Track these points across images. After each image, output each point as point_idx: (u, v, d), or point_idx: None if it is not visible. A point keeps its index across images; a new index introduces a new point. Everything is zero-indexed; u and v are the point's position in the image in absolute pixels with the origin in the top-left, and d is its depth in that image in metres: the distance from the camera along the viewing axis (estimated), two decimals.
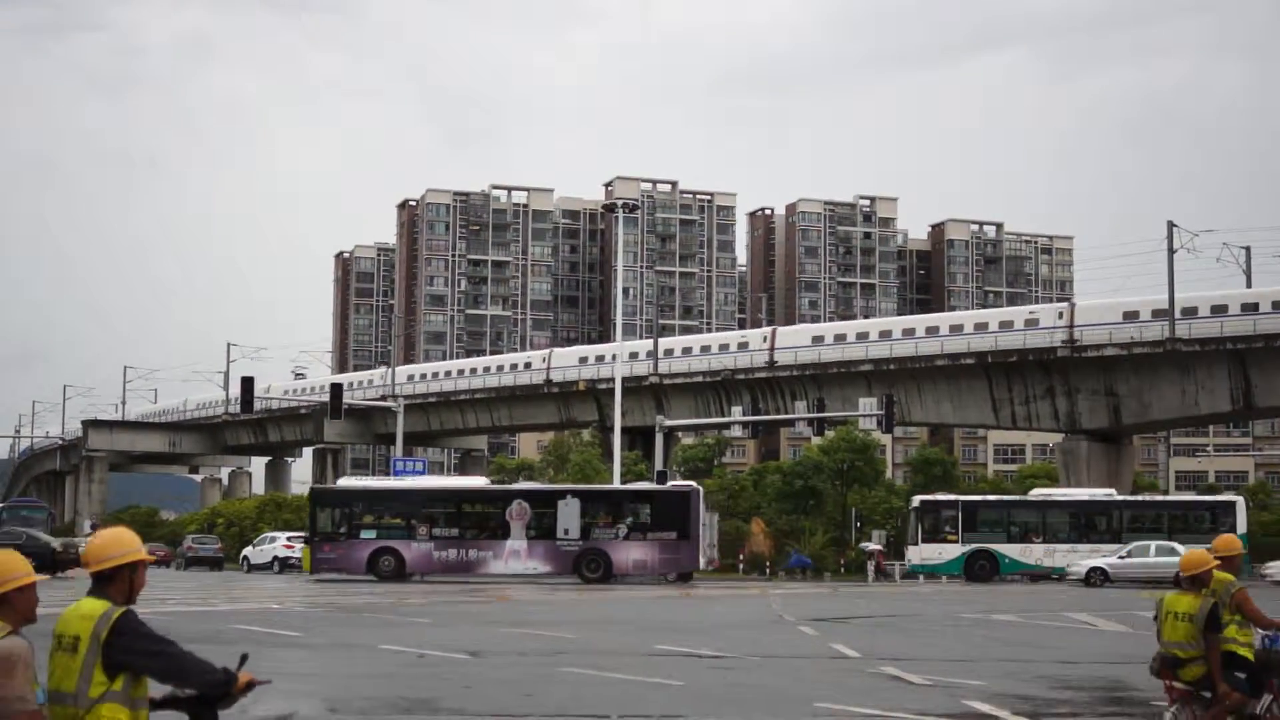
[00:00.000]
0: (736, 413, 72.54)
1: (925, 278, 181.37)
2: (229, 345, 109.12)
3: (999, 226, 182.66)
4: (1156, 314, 64.41)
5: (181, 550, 71.06)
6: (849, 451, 77.84)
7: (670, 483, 52.21)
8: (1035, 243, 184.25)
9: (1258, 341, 60.55)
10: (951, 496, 56.80)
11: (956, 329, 71.73)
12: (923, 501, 54.67)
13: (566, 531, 44.54)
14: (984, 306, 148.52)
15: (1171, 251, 63.88)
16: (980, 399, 69.06)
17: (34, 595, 5.28)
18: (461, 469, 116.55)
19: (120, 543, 5.55)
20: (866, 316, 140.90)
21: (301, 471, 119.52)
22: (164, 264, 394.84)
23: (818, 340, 76.02)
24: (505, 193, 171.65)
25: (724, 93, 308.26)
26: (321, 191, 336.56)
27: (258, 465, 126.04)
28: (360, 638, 21.31)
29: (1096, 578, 45.84)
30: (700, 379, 77.89)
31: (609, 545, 44.53)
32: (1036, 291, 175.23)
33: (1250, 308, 62.57)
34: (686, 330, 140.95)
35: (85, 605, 5.41)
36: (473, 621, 25.67)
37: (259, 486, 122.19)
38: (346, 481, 54.80)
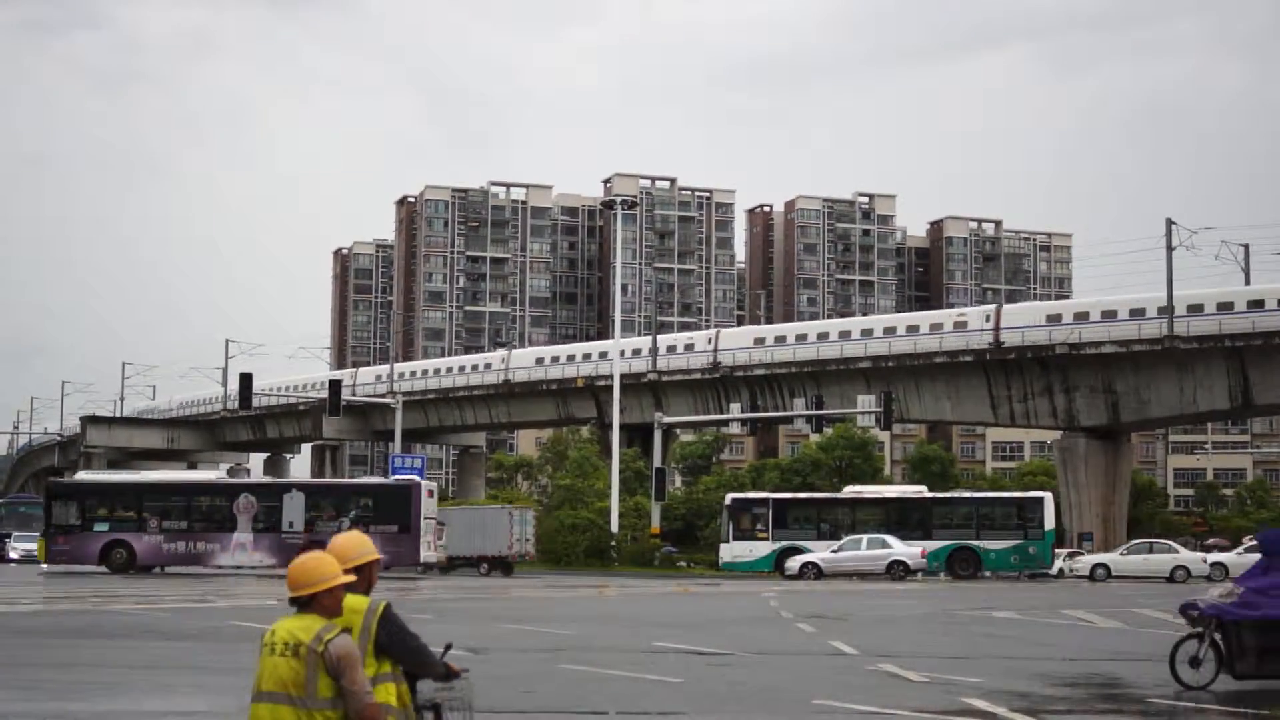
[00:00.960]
0: (735, 410, 72.56)
1: (924, 275, 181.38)
2: (227, 341, 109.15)
3: (998, 224, 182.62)
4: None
5: None
6: (847, 449, 78.09)
7: (394, 477, 53.72)
8: (1034, 240, 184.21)
9: (1256, 339, 60.59)
10: (762, 495, 57.05)
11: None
12: (734, 499, 55.20)
13: (291, 525, 45.81)
14: (983, 304, 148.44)
15: (1170, 249, 63.92)
16: (979, 396, 69.06)
17: (342, 593, 6.00)
18: (460, 466, 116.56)
19: (361, 545, 6.34)
20: (865, 314, 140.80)
21: (300, 468, 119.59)
22: (162, 260, 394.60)
23: (1053, 319, 69.18)
24: (504, 189, 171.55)
25: (723, 90, 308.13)
26: (320, 188, 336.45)
27: (256, 462, 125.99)
28: None
29: (810, 572, 46.78)
30: (699, 376, 77.87)
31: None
32: (1035, 289, 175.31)
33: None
34: (685, 327, 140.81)
35: (354, 599, 6.16)
36: (472, 618, 25.69)
37: None
38: (82, 475, 56.89)
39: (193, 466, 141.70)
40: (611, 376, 64.89)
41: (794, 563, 48.25)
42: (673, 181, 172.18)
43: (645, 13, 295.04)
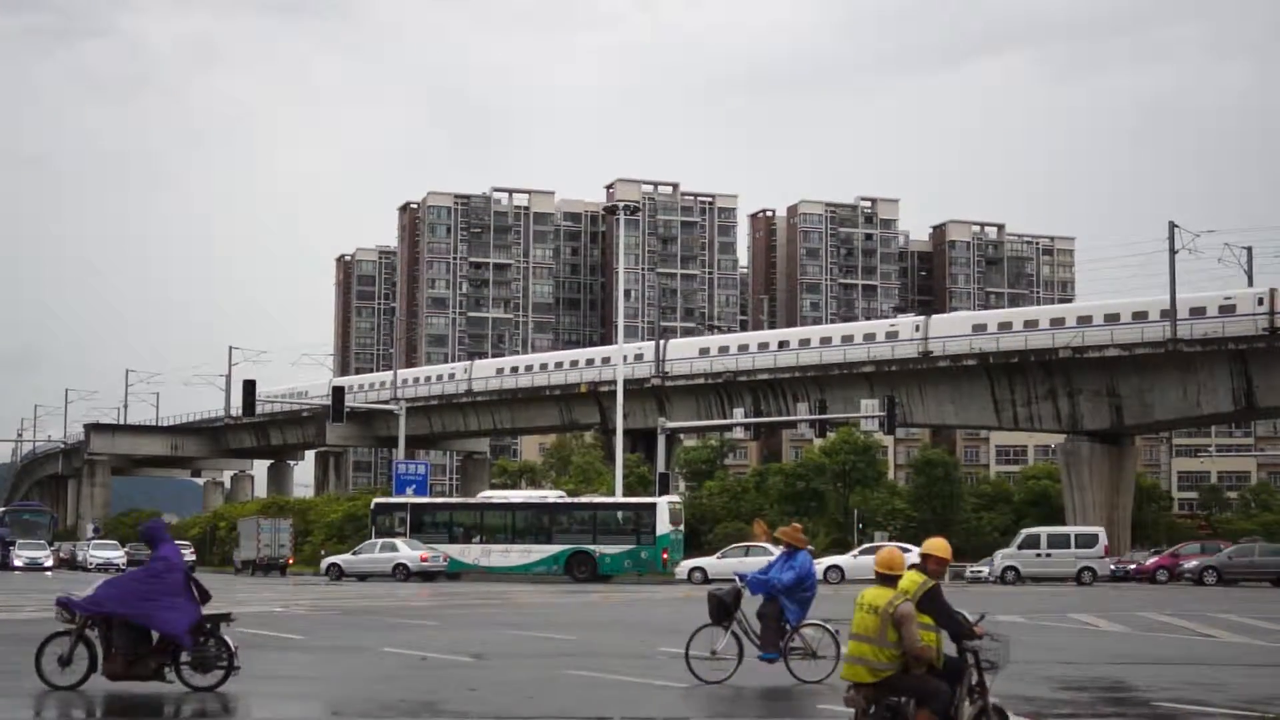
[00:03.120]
0: (738, 415, 72.45)
1: (927, 279, 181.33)
2: (230, 349, 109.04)
3: (1000, 228, 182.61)
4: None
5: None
6: (851, 453, 77.74)
7: None
8: (1037, 244, 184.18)
9: (1259, 342, 60.46)
10: (402, 499, 58.60)
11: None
12: (377, 504, 57.86)
13: None
14: (985, 308, 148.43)
15: (1173, 252, 63.83)
16: (982, 400, 68.98)
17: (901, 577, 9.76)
18: (464, 472, 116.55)
19: (941, 548, 10.10)
20: (868, 318, 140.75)
21: (304, 474, 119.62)
22: (166, 267, 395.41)
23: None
24: (506, 195, 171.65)
25: (725, 95, 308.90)
26: (323, 194, 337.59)
27: (260, 468, 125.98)
28: (363, 640, 21.31)
29: (334, 571, 51.45)
30: (702, 381, 77.80)
31: None
32: (1038, 292, 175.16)
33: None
34: (688, 332, 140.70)
35: (912, 575, 9.77)
36: (476, 624, 25.68)
37: (261, 489, 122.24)
38: None
39: (196, 474, 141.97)
40: (615, 381, 64.88)
41: (324, 563, 53.68)
42: (675, 186, 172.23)
43: (647, 19, 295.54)
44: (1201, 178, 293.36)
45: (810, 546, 16.43)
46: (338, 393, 65.30)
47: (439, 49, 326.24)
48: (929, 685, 9.42)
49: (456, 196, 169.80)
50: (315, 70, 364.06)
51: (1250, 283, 69.22)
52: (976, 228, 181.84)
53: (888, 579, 9.65)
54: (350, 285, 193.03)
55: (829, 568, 49.01)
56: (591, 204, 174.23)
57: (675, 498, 56.39)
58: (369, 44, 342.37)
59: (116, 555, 69.65)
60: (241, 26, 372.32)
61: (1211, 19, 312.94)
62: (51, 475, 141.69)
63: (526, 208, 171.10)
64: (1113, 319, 68.65)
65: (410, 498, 58.69)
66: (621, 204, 69.04)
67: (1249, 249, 70.75)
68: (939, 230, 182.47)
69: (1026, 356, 66.69)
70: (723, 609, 15.11)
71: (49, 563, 67.19)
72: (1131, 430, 68.37)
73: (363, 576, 50.04)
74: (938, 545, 10.01)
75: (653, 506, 52.23)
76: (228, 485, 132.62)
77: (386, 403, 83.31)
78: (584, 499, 58.96)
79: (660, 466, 62.93)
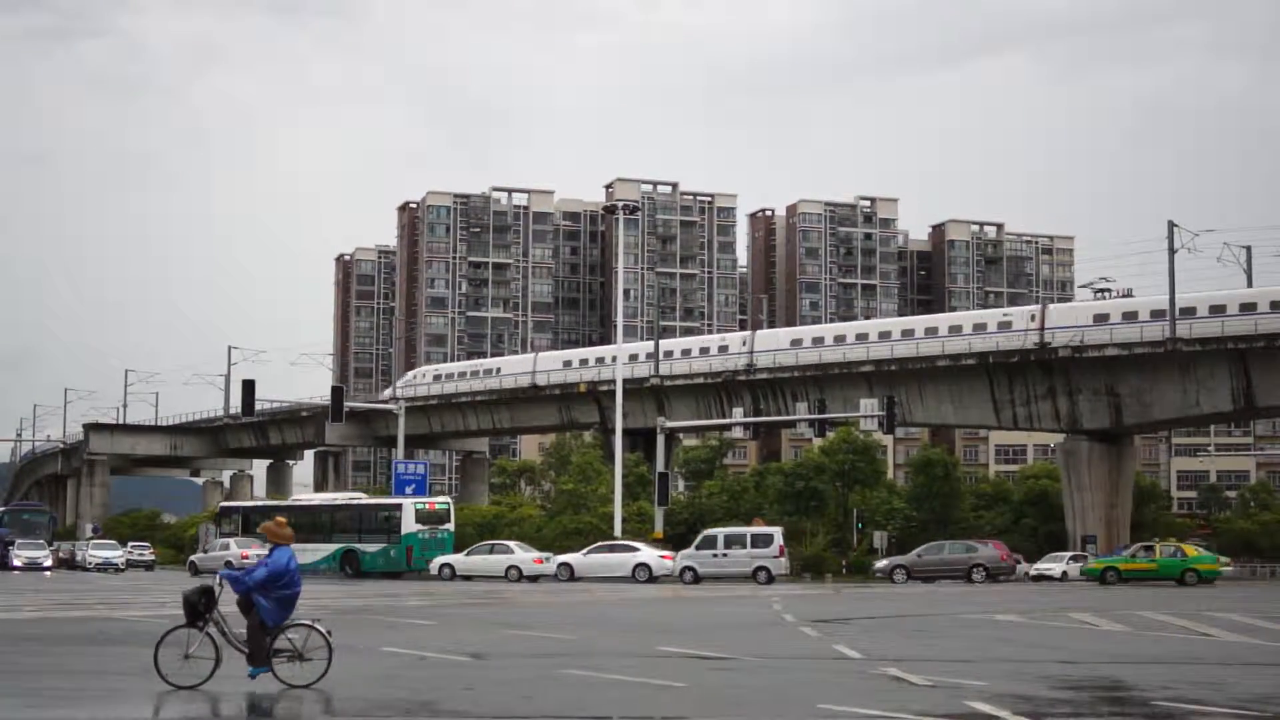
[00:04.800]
0: (737, 414, 72.47)
1: (926, 278, 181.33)
2: (230, 348, 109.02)
3: (999, 227, 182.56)
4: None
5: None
6: (850, 453, 77.72)
7: None
8: (1036, 243, 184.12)
9: (1259, 341, 60.49)
10: (239, 503, 66.31)
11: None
12: (222, 507, 65.74)
13: None
14: (985, 307, 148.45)
15: (1172, 251, 63.87)
16: (982, 399, 68.98)
17: None
18: (463, 471, 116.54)
19: None
20: (867, 317, 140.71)
21: (303, 474, 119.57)
22: (166, 267, 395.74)
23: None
24: (506, 194, 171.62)
25: (725, 94, 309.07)
26: (322, 194, 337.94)
27: (259, 468, 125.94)
28: (361, 640, 21.27)
29: (192, 569, 56.82)
30: (701, 380, 77.79)
31: None
32: (1038, 292, 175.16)
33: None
34: (688, 332, 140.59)
35: None
36: (474, 624, 25.68)
37: (260, 489, 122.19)
38: None
39: (195, 474, 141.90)
40: (614, 381, 64.89)
41: (188, 561, 60.77)
42: (674, 186, 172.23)
43: (647, 18, 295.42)
44: (1201, 177, 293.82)
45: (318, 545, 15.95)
46: (337, 393, 65.38)
47: (439, 48, 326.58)
48: None
49: (456, 196, 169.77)
50: (315, 70, 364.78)
51: (1250, 282, 69.29)
52: (976, 227, 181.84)
53: None
54: (350, 285, 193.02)
55: (560, 565, 49.75)
56: (591, 203, 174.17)
57: (442, 500, 59.61)
58: (369, 44, 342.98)
59: (116, 555, 69.58)
60: (242, 26, 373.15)
61: (1211, 19, 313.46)
62: (51, 475, 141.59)
63: (526, 207, 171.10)
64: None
65: (244, 501, 62.93)
66: (621, 203, 69.04)
67: (1248, 248, 70.87)
68: (938, 229, 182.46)
69: (1026, 356, 66.71)
70: (194, 610, 14.16)
71: (48, 562, 67.08)
72: (1131, 429, 68.42)
73: None
74: None
75: (399, 507, 54.98)
76: (227, 485, 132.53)
77: (386, 402, 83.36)
78: (357, 500, 61.50)
79: (659, 466, 62.96)
